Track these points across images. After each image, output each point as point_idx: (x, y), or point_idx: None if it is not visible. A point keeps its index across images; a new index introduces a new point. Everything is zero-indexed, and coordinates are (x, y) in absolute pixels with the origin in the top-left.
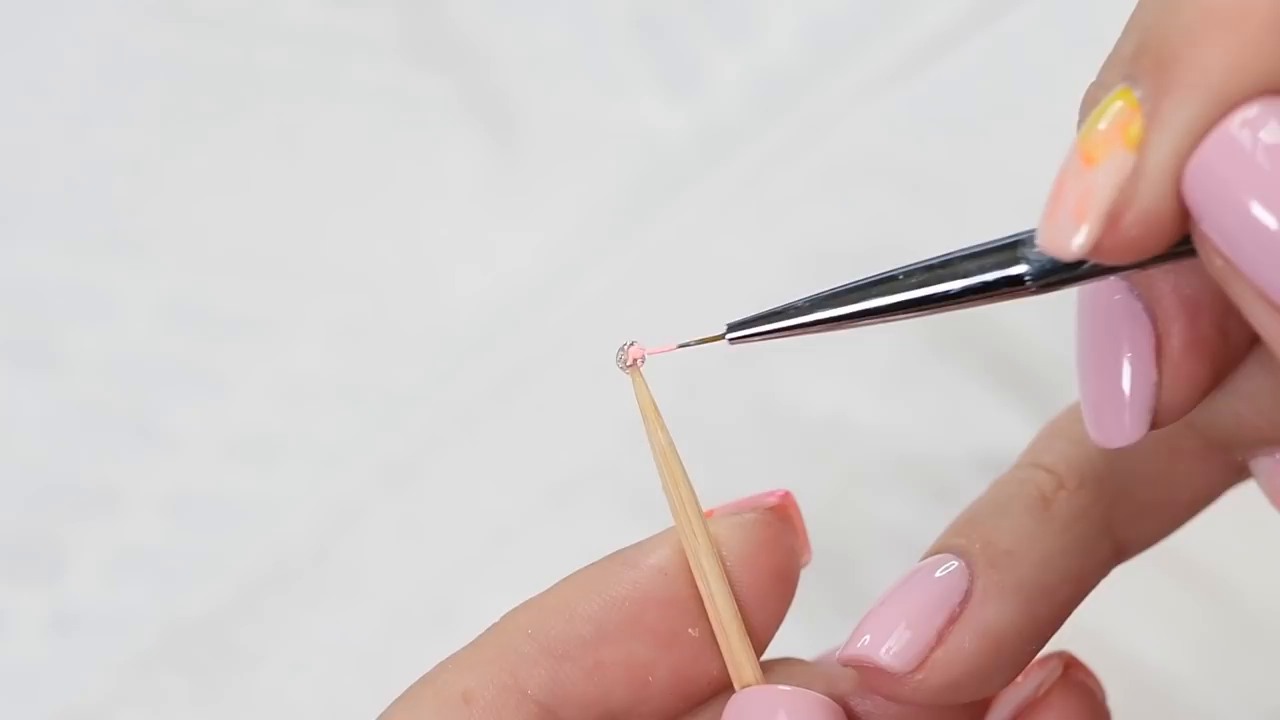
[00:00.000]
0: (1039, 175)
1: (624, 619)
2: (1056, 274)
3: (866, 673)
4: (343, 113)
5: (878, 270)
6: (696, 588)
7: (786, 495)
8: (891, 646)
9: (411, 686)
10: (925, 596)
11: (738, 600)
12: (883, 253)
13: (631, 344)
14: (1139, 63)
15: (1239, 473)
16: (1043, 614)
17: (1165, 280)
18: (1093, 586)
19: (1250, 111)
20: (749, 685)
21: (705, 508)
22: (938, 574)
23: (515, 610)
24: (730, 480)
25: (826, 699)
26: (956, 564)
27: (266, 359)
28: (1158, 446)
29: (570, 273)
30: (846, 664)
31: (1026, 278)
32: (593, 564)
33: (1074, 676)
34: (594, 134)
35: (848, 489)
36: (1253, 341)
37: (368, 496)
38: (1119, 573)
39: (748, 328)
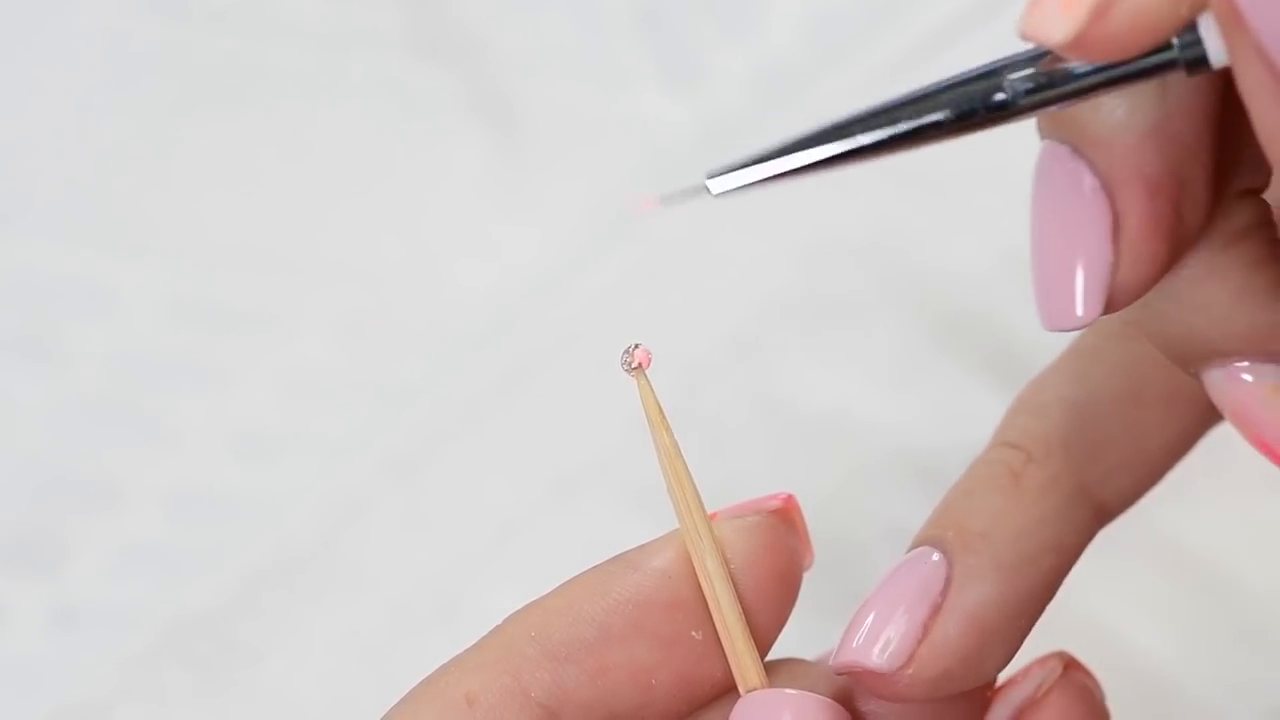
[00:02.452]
0: None
1: (627, 622)
2: (1036, 94)
3: (859, 677)
4: (346, 108)
5: (849, 110)
6: (700, 590)
7: (789, 498)
8: (879, 646)
9: (414, 689)
10: (907, 591)
11: (741, 603)
12: (885, 248)
13: (637, 346)
14: None
15: (1207, 418)
16: (1025, 588)
17: (1123, 158)
18: (1077, 553)
19: None
20: (754, 688)
21: (709, 508)
22: (917, 568)
23: (518, 613)
24: (732, 475)
25: (831, 701)
26: (935, 555)
27: (269, 353)
28: (1121, 401)
29: (573, 267)
30: (839, 672)
31: (1007, 95)
32: (596, 566)
33: (1073, 677)
34: (597, 129)
35: (850, 485)
36: (1204, 226)
37: (371, 491)
38: (1119, 568)
39: (728, 173)
